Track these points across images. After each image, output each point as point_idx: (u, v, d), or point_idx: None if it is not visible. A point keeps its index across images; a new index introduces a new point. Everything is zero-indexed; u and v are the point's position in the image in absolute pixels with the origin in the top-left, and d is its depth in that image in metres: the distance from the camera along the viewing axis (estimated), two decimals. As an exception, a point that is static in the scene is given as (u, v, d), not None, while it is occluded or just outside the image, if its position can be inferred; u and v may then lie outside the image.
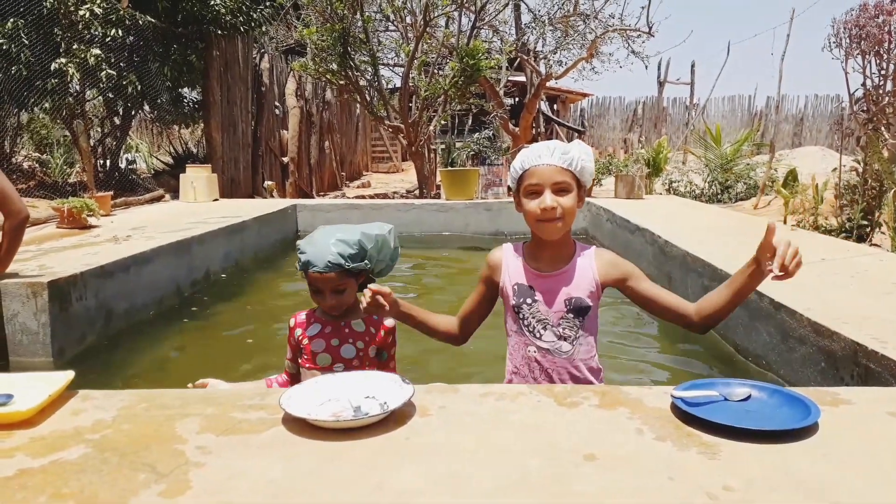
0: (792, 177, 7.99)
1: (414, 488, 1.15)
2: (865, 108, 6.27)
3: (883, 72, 6.05)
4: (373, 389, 1.52)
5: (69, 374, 1.57)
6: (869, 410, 1.50)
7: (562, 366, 1.84)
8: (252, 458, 1.26)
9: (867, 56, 6.08)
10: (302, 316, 2.14)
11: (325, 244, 1.99)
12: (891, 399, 1.59)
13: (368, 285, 1.82)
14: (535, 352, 1.85)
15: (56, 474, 1.19)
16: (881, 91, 6.07)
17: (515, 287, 1.86)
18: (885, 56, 6.01)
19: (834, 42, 6.31)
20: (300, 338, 2.08)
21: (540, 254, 1.87)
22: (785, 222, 6.94)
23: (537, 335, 1.84)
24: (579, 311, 1.81)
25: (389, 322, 2.11)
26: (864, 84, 6.19)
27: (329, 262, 1.95)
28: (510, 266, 1.90)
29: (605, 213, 6.80)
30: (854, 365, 2.30)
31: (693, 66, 19.62)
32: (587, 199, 7.99)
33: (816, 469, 1.22)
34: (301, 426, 1.38)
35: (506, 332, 1.95)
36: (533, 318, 1.84)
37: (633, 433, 1.37)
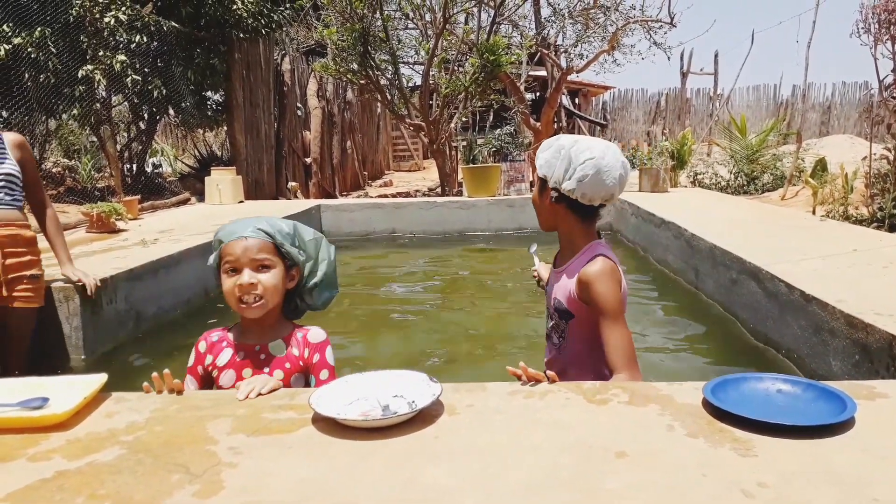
0: (821, 166, 7.86)
1: (443, 487, 1.15)
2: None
3: (913, 57, 5.92)
4: (401, 388, 1.53)
5: (102, 377, 1.59)
6: (907, 404, 1.47)
7: (555, 360, 1.90)
8: (283, 458, 1.27)
9: (897, 41, 5.95)
10: (214, 335, 1.79)
11: (252, 219, 1.75)
12: (929, 392, 1.55)
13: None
14: (546, 330, 1.99)
15: (92, 475, 1.21)
16: (912, 77, 5.94)
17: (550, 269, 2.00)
18: (916, 41, 5.88)
19: (862, 28, 6.20)
20: (209, 367, 1.75)
21: (560, 246, 1.92)
22: (814, 213, 6.82)
23: (547, 319, 1.96)
24: (562, 313, 1.84)
25: (315, 336, 1.77)
26: (894, 70, 6.07)
27: (257, 227, 1.70)
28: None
29: (630, 206, 6.74)
30: (889, 358, 2.25)
31: (716, 56, 19.36)
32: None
33: (854, 464, 1.19)
34: (331, 426, 1.38)
35: None
36: (546, 303, 1.96)
37: (664, 430, 1.35)
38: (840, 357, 2.59)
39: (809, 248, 3.87)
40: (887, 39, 6.00)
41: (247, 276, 1.65)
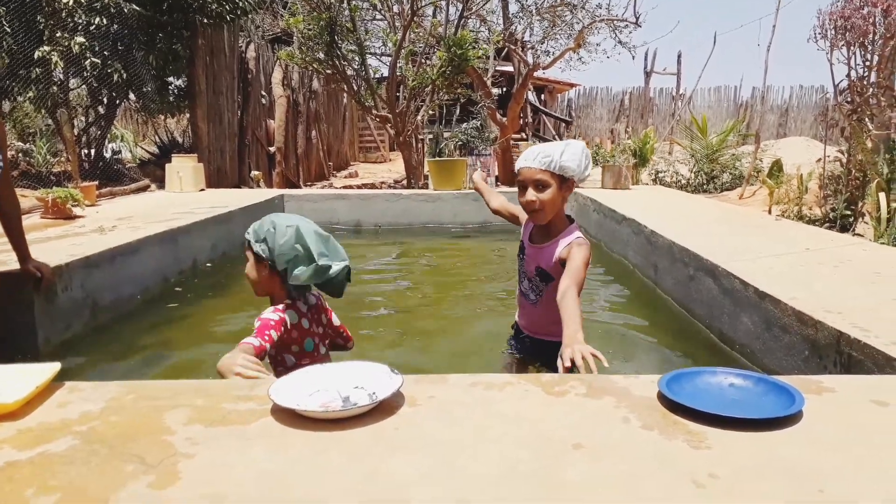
0: (777, 167, 8.05)
1: (403, 478, 1.16)
2: (850, 99, 6.31)
3: (867, 63, 6.09)
4: (362, 379, 1.53)
5: (55, 366, 1.56)
6: (852, 398, 1.52)
7: (532, 312, 2.46)
8: (241, 450, 1.26)
9: (852, 47, 6.12)
10: None
11: (263, 220, 2.14)
12: (873, 387, 1.61)
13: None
14: (518, 291, 2.53)
15: (43, 466, 1.19)
16: (865, 82, 6.12)
17: (520, 243, 2.50)
18: (870, 47, 6.05)
19: (819, 33, 6.35)
20: None
21: (535, 227, 2.42)
22: (770, 212, 6.99)
23: (521, 280, 2.50)
24: (543, 277, 2.35)
25: (267, 315, 2.01)
26: (848, 75, 6.23)
27: (250, 227, 2.12)
28: (525, 227, 2.51)
29: (592, 203, 6.82)
30: (837, 353, 2.33)
31: (679, 56, 19.69)
32: (575, 189, 8.03)
33: (802, 456, 1.23)
34: (290, 417, 1.38)
35: None
36: (520, 269, 2.49)
37: (619, 422, 1.38)
38: (791, 352, 2.66)
39: (764, 247, 3.97)
40: (842, 45, 6.17)
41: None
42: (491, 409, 1.44)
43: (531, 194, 2.22)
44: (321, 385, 1.52)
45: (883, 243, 4.79)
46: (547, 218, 2.26)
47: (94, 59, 7.26)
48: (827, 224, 6.10)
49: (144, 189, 8.27)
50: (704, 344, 3.48)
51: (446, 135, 9.71)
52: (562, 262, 2.23)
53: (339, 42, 8.66)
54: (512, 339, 2.68)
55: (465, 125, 11.10)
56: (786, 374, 2.01)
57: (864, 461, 1.22)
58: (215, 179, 9.23)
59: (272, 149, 11.25)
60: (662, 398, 1.47)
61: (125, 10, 7.89)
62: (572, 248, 2.22)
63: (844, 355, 2.28)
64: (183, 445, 1.27)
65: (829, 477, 1.16)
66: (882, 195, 5.37)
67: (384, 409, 1.42)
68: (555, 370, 2.21)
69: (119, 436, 1.31)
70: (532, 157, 2.23)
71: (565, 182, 2.24)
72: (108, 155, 9.60)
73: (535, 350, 2.48)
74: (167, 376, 3.06)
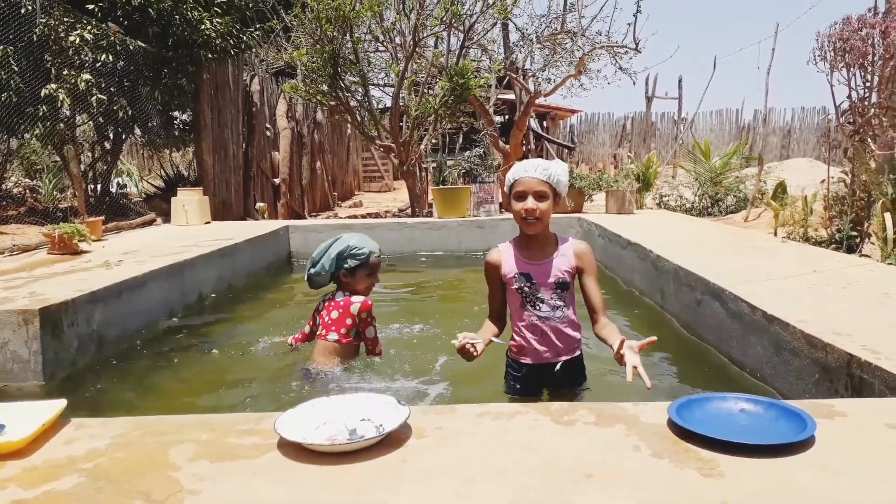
0: (781, 189, 8.06)
1: (412, 511, 1.15)
2: (852, 120, 6.33)
3: (868, 84, 6.11)
4: (368, 411, 1.52)
5: (61, 403, 1.55)
6: (864, 422, 1.50)
7: (552, 326, 2.48)
8: (248, 485, 1.25)
9: (852, 69, 6.15)
10: None
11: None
12: (885, 410, 1.59)
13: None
14: (535, 319, 2.48)
15: (49, 505, 1.18)
16: (866, 103, 6.14)
17: (515, 276, 2.46)
18: (870, 68, 6.08)
19: (819, 55, 6.37)
20: None
21: (529, 245, 2.47)
22: (775, 234, 6.98)
23: (537, 307, 2.46)
24: (563, 286, 2.44)
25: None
26: (849, 96, 6.25)
27: None
28: (507, 261, 2.50)
29: (597, 228, 6.82)
30: (848, 376, 2.30)
31: (680, 81, 19.83)
32: (579, 214, 8.09)
33: (815, 482, 1.21)
34: (296, 451, 1.37)
35: (507, 308, 2.60)
36: (533, 295, 2.45)
37: (630, 450, 1.37)
38: (801, 376, 2.64)
39: (771, 269, 3.95)
40: (842, 67, 6.19)
41: None
42: (500, 440, 1.43)
43: (532, 203, 2.33)
44: (327, 418, 1.51)
45: (890, 263, 4.76)
46: (540, 228, 2.40)
47: (100, 96, 7.37)
48: (833, 245, 6.08)
49: (150, 223, 8.31)
50: (714, 369, 3.45)
51: (450, 163, 9.75)
52: (576, 269, 2.47)
53: (343, 74, 8.75)
54: (521, 381, 2.62)
55: (468, 153, 11.16)
56: (797, 399, 1.99)
57: (878, 486, 1.20)
58: (220, 212, 9.29)
59: (277, 180, 11.33)
60: (673, 425, 1.45)
61: (131, 47, 8.02)
62: (585, 257, 2.47)
63: (855, 378, 2.26)
64: (189, 481, 1.26)
65: (842, 502, 1.14)
66: (887, 215, 5.35)
67: (391, 441, 1.41)
68: (578, 388, 2.63)
69: (125, 472, 1.30)
70: (532, 168, 2.36)
71: (557, 196, 2.41)
72: (114, 190, 9.70)
73: (567, 378, 2.57)
74: (173, 410, 3.05)
